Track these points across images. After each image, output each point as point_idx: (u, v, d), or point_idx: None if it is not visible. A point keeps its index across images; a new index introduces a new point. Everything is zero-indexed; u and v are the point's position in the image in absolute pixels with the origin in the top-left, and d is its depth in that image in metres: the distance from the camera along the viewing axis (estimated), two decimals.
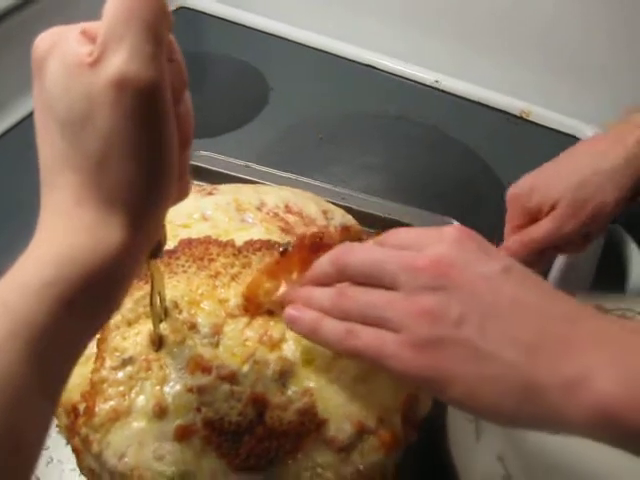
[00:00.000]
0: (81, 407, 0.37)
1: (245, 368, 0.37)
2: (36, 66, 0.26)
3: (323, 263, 0.37)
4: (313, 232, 0.41)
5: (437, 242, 0.33)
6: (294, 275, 0.40)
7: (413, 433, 0.38)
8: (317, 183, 0.63)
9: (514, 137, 0.80)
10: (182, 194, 0.32)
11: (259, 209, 0.47)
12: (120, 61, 0.24)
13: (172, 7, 0.92)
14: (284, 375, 0.37)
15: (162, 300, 0.39)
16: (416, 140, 0.78)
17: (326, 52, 0.88)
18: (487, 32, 0.83)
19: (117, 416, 0.36)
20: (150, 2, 0.25)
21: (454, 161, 0.76)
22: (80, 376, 0.38)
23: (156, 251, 0.34)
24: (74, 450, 0.38)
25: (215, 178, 0.63)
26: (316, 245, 0.39)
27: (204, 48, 0.89)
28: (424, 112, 0.81)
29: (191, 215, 0.47)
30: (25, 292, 0.23)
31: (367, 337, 0.33)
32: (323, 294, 0.36)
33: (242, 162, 0.65)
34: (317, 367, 0.38)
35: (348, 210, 0.57)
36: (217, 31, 0.91)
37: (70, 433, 0.38)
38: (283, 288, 0.39)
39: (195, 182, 0.64)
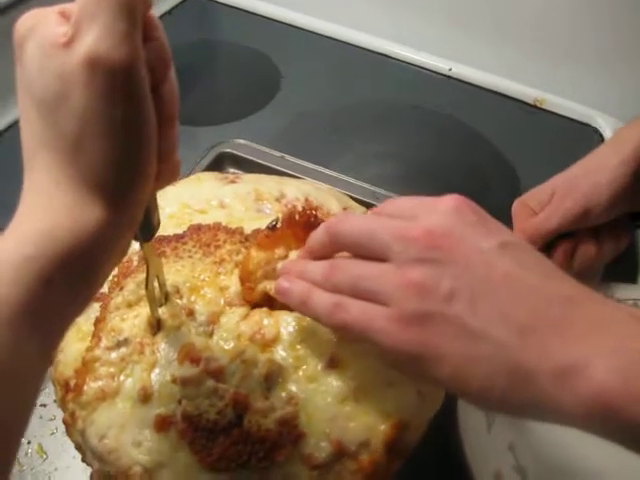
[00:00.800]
0: (72, 383, 0.38)
1: (233, 365, 0.36)
2: (17, 47, 0.26)
3: (318, 232, 0.35)
4: (305, 208, 0.39)
5: (433, 212, 0.31)
6: (289, 250, 0.38)
7: (397, 462, 0.35)
8: (352, 180, 0.62)
9: (528, 125, 0.77)
10: (172, 175, 0.31)
11: (278, 200, 0.46)
12: (92, 40, 0.24)
13: None
14: (270, 379, 0.36)
15: (162, 284, 0.38)
16: (429, 128, 0.75)
17: (338, 40, 0.86)
18: (501, 20, 0.79)
19: (104, 396, 0.36)
20: None
21: (467, 149, 0.73)
22: (78, 351, 0.39)
23: (148, 234, 0.33)
24: (64, 423, 0.39)
25: (250, 167, 0.62)
26: (310, 223, 0.37)
27: (215, 36, 0.89)
28: (437, 100, 0.78)
29: (209, 201, 0.46)
30: (6, 268, 0.23)
31: (355, 310, 0.31)
32: (316, 267, 0.34)
33: (278, 153, 0.64)
34: (307, 375, 0.36)
35: None
36: (229, 19, 0.91)
37: (62, 406, 0.39)
38: (278, 263, 0.38)
39: (231, 170, 0.64)
